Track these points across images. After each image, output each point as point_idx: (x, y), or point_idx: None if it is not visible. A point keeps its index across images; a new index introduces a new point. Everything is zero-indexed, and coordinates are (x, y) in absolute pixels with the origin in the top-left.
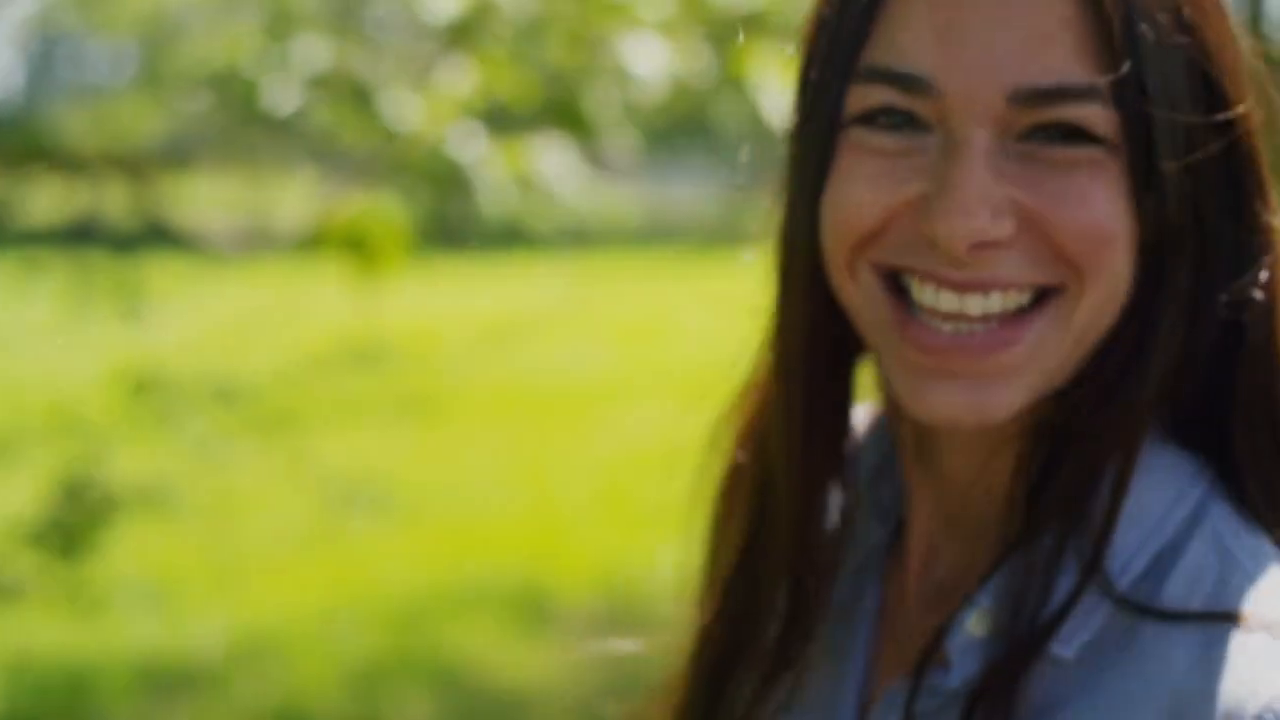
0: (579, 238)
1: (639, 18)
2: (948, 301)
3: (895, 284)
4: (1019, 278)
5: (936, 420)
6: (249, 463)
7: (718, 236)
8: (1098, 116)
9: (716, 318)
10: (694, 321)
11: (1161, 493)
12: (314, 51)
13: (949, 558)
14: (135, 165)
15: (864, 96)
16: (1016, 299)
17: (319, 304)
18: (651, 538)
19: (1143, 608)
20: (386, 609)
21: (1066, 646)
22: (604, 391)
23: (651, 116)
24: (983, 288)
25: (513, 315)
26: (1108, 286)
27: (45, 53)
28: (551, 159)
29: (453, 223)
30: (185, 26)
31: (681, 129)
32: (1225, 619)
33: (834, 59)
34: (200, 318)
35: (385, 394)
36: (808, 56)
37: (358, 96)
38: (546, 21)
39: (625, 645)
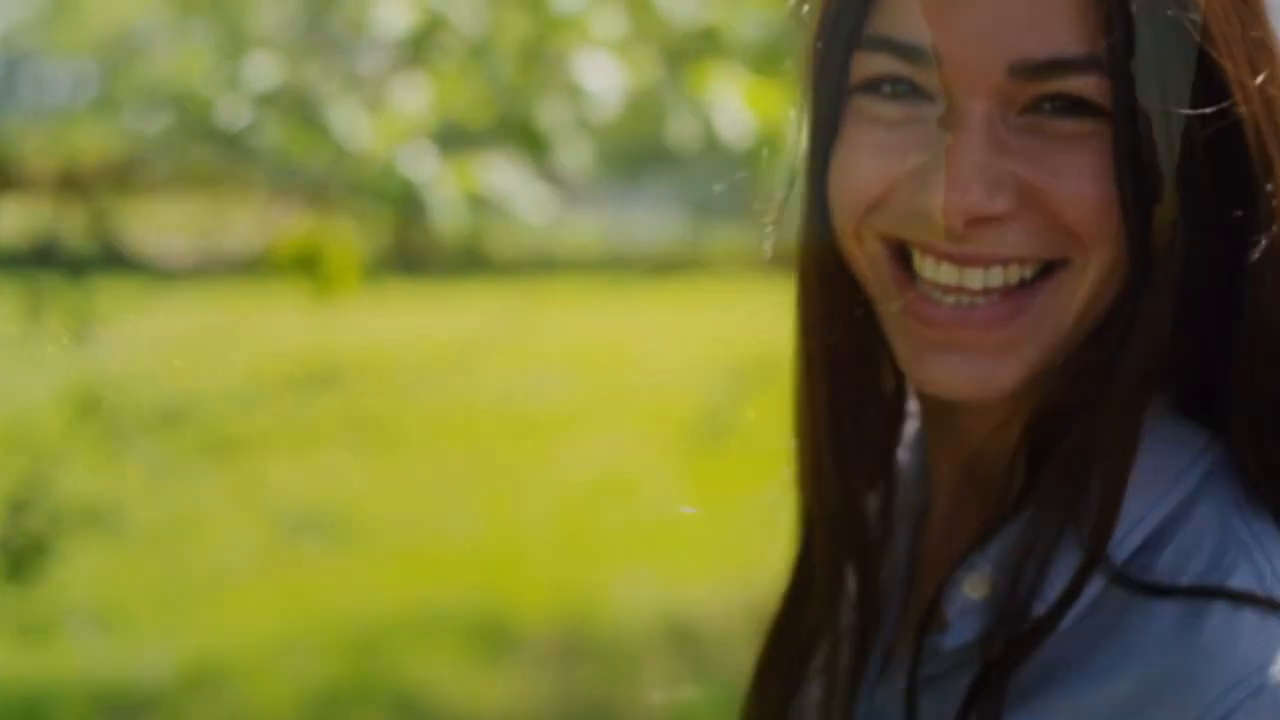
0: (540, 264)
1: (592, 34)
2: (948, 274)
3: (901, 254)
4: (1019, 252)
5: (938, 392)
6: (201, 487)
7: (679, 263)
8: (1098, 89)
9: (677, 344)
10: (654, 348)
11: (1164, 466)
12: (266, 69)
13: (967, 522)
14: (89, 185)
15: (867, 65)
16: (1018, 273)
17: (273, 327)
18: (610, 564)
19: (1133, 581)
20: (342, 636)
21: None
22: (563, 418)
23: (610, 139)
24: (982, 262)
25: (471, 341)
26: (1110, 259)
27: (6, 75)
28: (506, 177)
29: (412, 248)
30: (145, 47)
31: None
32: (1212, 594)
33: (840, 27)
34: (153, 339)
35: (340, 418)
36: (818, 25)
37: (309, 114)
38: (499, 37)
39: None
